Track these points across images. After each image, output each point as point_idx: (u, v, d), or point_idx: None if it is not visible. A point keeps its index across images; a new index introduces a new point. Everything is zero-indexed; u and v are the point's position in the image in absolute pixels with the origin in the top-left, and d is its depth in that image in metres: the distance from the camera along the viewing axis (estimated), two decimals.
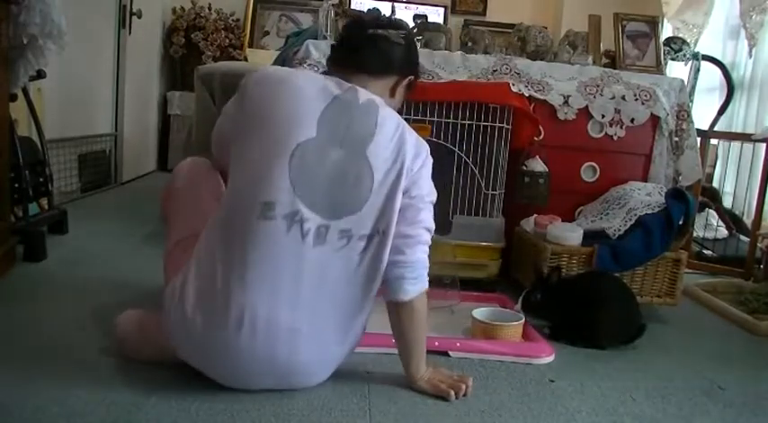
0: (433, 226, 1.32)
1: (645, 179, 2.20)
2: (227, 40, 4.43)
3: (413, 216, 1.27)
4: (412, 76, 1.41)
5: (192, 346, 1.21)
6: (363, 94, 1.28)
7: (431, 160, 1.32)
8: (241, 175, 1.23)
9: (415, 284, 1.26)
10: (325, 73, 1.43)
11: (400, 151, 1.25)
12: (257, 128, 1.24)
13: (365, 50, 1.34)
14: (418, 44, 2.38)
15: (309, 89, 1.25)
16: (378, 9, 1.51)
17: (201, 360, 1.23)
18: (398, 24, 1.40)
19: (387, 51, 1.34)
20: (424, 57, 2.11)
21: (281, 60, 2.34)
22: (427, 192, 1.31)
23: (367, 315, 1.29)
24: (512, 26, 2.63)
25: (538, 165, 2.09)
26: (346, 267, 1.22)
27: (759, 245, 2.59)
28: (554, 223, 1.95)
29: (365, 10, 1.47)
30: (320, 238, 1.20)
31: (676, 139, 2.23)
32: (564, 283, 1.73)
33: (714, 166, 3.31)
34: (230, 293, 1.16)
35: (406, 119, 1.96)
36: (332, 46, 1.43)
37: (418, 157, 1.28)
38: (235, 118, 1.32)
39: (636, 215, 1.91)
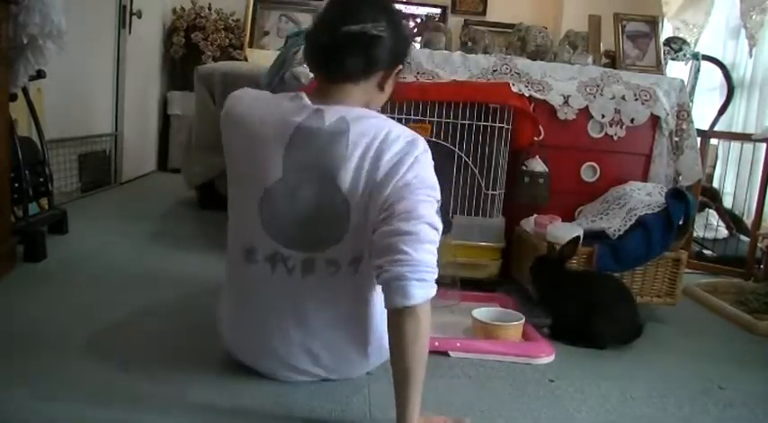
0: (439, 224, 1.12)
1: (645, 179, 2.20)
2: (227, 40, 4.43)
3: (407, 209, 1.08)
4: (401, 65, 1.26)
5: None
6: (332, 114, 1.16)
7: (427, 155, 1.18)
8: (231, 214, 1.28)
9: (421, 288, 1.05)
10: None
11: (377, 168, 1.12)
12: (232, 167, 1.26)
13: (340, 55, 1.17)
14: (418, 44, 2.39)
15: (268, 127, 1.17)
16: None
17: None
18: (376, 8, 1.20)
19: (367, 50, 1.17)
20: (424, 57, 2.11)
21: (281, 60, 2.34)
22: (422, 184, 1.13)
23: (383, 325, 1.14)
24: (512, 26, 2.63)
25: (538, 165, 2.09)
26: (344, 288, 1.22)
27: (759, 245, 2.59)
28: (554, 223, 1.95)
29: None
30: (308, 269, 1.20)
31: (676, 139, 2.23)
32: (566, 277, 1.74)
33: (714, 166, 3.31)
34: (246, 328, 1.27)
35: (406, 119, 1.99)
36: (304, 48, 1.25)
37: (402, 162, 1.13)
38: (224, 148, 1.30)
39: (636, 215, 1.91)
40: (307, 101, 1.19)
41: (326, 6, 1.24)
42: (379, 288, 1.13)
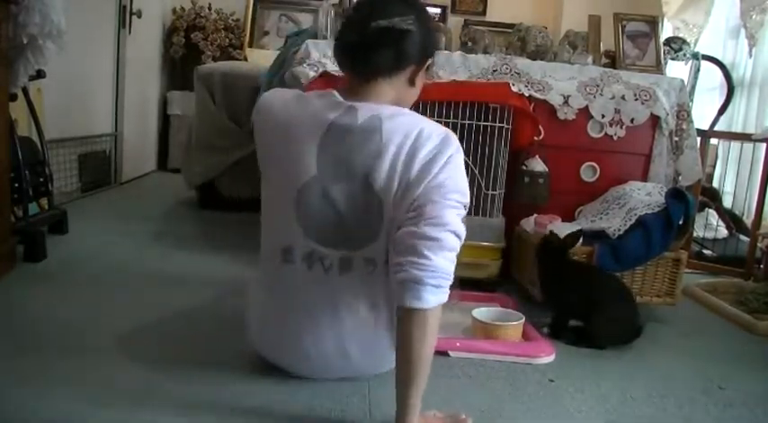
0: (463, 231, 1.11)
1: (645, 179, 2.20)
2: (227, 40, 4.43)
3: (435, 214, 1.09)
4: (431, 59, 1.26)
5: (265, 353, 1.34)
6: (365, 111, 1.16)
7: (460, 155, 1.17)
8: (265, 218, 1.27)
9: (436, 293, 1.06)
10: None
11: (410, 166, 1.12)
12: (267, 167, 1.27)
13: (371, 52, 1.18)
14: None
15: (301, 125, 1.18)
16: None
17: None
18: (403, 4, 1.20)
19: (397, 44, 1.17)
20: None
21: (281, 60, 2.34)
22: (453, 188, 1.12)
23: None
24: (512, 26, 2.63)
25: (538, 165, 2.09)
26: (379, 287, 1.21)
27: (759, 245, 2.59)
28: (554, 223, 1.95)
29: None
30: (346, 268, 1.20)
31: (676, 138, 2.23)
32: (568, 268, 1.75)
33: (714, 166, 3.31)
34: (281, 330, 1.26)
35: None
36: (334, 47, 1.25)
37: (435, 160, 1.13)
38: (257, 149, 1.31)
39: (636, 215, 1.91)
40: (339, 98, 1.20)
41: (354, 6, 1.28)
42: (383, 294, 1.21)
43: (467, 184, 1.17)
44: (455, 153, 1.16)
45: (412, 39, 1.18)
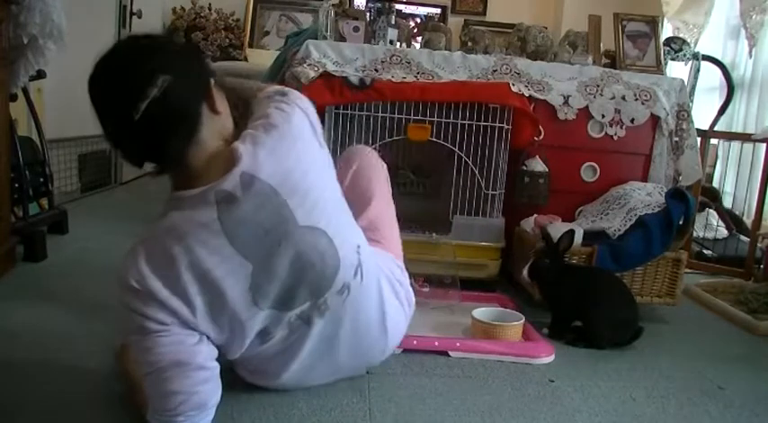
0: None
1: (645, 179, 2.20)
2: (227, 40, 4.43)
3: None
4: (210, 79, 1.09)
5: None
6: (230, 181, 1.01)
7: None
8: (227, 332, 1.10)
9: None
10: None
11: (301, 160, 1.08)
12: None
13: (156, 141, 1.00)
14: (417, 44, 2.39)
15: (203, 246, 1.00)
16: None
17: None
18: (141, 57, 1.00)
19: (171, 112, 0.99)
20: (424, 57, 2.11)
21: (282, 60, 2.34)
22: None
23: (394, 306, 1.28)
24: (512, 26, 2.62)
25: (538, 165, 2.09)
26: (360, 302, 1.20)
27: (759, 245, 2.59)
28: (554, 223, 1.95)
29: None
30: (323, 308, 1.16)
31: (676, 139, 2.23)
32: (568, 271, 1.75)
33: (714, 166, 3.31)
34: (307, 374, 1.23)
35: (406, 119, 1.99)
36: (110, 143, 1.06)
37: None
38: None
39: (636, 215, 1.91)
40: (195, 191, 1.02)
41: (92, 88, 1.06)
42: (383, 276, 1.25)
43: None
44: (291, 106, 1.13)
45: (179, 94, 0.99)
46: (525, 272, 1.74)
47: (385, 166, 1.57)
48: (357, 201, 1.39)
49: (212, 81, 1.09)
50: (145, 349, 1.00)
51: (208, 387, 1.02)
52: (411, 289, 1.37)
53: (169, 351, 0.99)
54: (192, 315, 1.01)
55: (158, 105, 0.96)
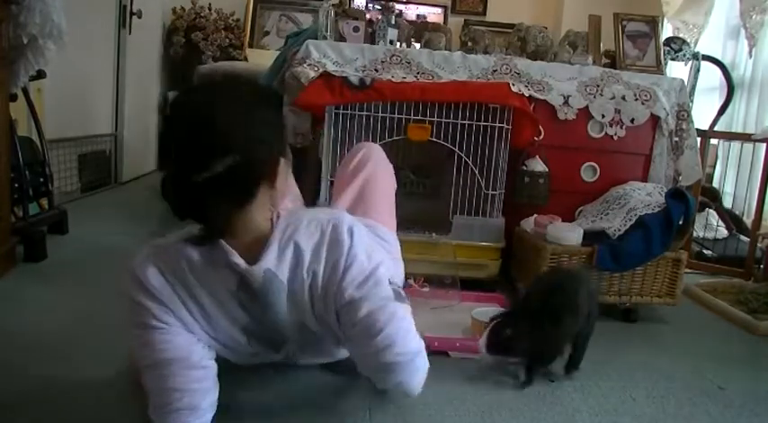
0: (414, 344, 1.06)
1: (645, 179, 2.20)
2: (227, 40, 4.43)
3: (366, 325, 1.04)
4: (281, 158, 1.04)
5: None
6: (258, 270, 1.02)
7: (358, 244, 1.06)
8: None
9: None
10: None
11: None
12: None
13: (205, 210, 0.97)
14: (417, 45, 2.39)
15: (210, 295, 1.05)
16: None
17: None
18: (219, 131, 0.94)
19: (231, 186, 0.95)
20: (424, 57, 2.12)
21: (282, 60, 2.34)
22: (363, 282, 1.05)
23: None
24: (512, 26, 2.62)
25: (538, 165, 2.09)
26: (324, 343, 1.22)
27: (759, 245, 2.59)
28: (554, 223, 1.95)
29: None
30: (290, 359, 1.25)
31: (676, 139, 2.23)
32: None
33: (714, 166, 3.31)
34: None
35: (406, 119, 1.99)
36: (167, 200, 0.98)
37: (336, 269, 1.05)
38: None
39: (636, 215, 1.91)
40: (233, 258, 1.01)
41: (169, 124, 1.04)
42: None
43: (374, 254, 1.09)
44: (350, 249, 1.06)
45: (244, 175, 0.96)
46: (482, 340, 1.42)
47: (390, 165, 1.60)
48: (350, 173, 1.47)
49: (282, 160, 1.04)
50: (144, 344, 1.03)
51: (203, 385, 1.03)
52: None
53: (167, 348, 1.02)
54: (190, 321, 1.06)
55: (218, 180, 0.93)
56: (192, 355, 1.04)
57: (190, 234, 1.03)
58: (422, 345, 1.07)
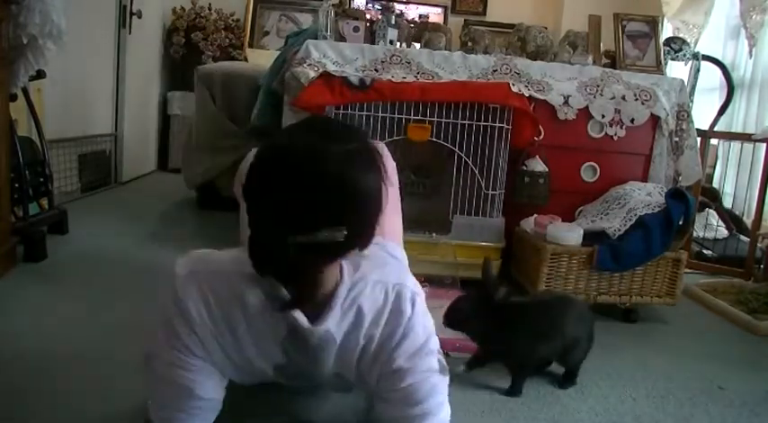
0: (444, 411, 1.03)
1: (645, 179, 2.20)
2: (227, 40, 4.43)
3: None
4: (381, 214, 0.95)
5: None
6: (319, 328, 0.95)
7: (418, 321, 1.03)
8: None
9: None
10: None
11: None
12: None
13: (298, 267, 0.90)
14: (418, 45, 2.39)
15: (254, 336, 0.98)
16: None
17: None
18: (330, 201, 0.86)
19: (313, 257, 0.89)
20: (424, 57, 2.12)
21: (282, 60, 2.34)
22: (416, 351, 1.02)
23: None
24: (512, 26, 2.62)
25: (538, 165, 2.09)
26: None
27: (759, 245, 2.59)
28: (554, 223, 1.95)
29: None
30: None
31: (676, 139, 2.23)
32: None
33: (714, 166, 3.31)
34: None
35: (406, 119, 1.99)
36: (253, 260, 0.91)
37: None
38: None
39: (636, 215, 1.91)
40: (296, 315, 0.93)
41: (262, 205, 0.89)
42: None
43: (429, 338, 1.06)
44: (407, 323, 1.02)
45: (337, 247, 0.89)
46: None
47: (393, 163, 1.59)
48: None
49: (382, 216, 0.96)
50: (162, 353, 0.98)
51: (199, 415, 1.00)
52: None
53: (182, 375, 0.97)
54: (218, 354, 0.99)
55: (311, 248, 0.86)
56: (205, 390, 0.99)
57: (255, 276, 0.93)
58: (449, 412, 1.05)
